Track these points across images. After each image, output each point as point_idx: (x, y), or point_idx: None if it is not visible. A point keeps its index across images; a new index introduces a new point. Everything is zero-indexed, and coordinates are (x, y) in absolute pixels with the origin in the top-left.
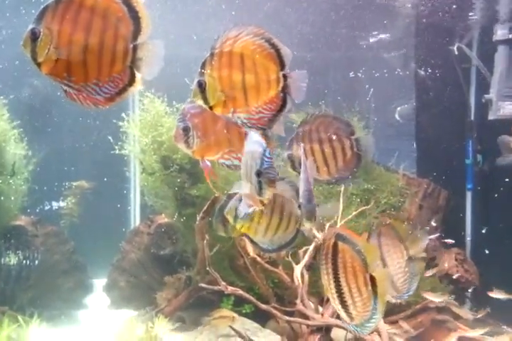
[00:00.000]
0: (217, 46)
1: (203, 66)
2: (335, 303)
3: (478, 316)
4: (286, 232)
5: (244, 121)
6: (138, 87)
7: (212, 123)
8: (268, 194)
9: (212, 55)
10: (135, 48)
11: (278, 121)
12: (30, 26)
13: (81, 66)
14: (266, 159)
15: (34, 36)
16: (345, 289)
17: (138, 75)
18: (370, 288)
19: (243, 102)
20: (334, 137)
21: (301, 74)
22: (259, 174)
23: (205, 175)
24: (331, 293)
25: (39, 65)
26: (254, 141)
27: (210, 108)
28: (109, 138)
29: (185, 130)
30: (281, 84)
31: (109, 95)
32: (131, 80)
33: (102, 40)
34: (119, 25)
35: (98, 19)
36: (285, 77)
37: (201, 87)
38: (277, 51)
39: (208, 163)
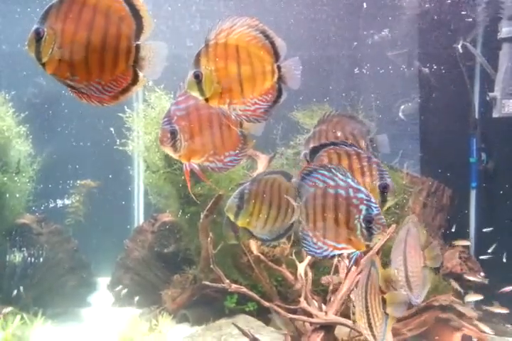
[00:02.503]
0: (211, 38)
1: (198, 57)
2: (363, 326)
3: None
4: (284, 222)
5: (240, 112)
6: (141, 86)
7: (198, 126)
8: (378, 239)
9: (207, 46)
10: (138, 47)
11: (259, 121)
12: (35, 26)
13: (84, 65)
14: (373, 205)
15: (38, 36)
16: (371, 310)
17: (141, 74)
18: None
19: (239, 94)
20: (350, 137)
21: (293, 61)
22: (370, 220)
23: (187, 179)
24: (361, 315)
25: (43, 64)
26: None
27: (206, 100)
28: (114, 135)
29: (173, 133)
30: (276, 76)
31: (113, 94)
32: (135, 79)
33: (105, 40)
34: (122, 24)
35: (101, 18)
36: (279, 68)
37: (198, 78)
38: (272, 43)
39: (196, 166)
